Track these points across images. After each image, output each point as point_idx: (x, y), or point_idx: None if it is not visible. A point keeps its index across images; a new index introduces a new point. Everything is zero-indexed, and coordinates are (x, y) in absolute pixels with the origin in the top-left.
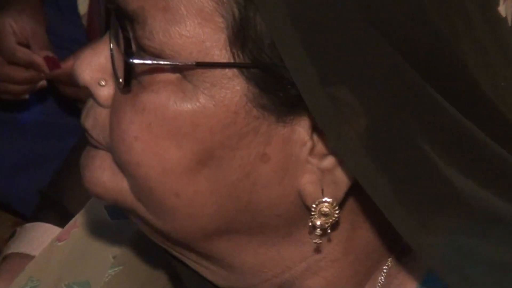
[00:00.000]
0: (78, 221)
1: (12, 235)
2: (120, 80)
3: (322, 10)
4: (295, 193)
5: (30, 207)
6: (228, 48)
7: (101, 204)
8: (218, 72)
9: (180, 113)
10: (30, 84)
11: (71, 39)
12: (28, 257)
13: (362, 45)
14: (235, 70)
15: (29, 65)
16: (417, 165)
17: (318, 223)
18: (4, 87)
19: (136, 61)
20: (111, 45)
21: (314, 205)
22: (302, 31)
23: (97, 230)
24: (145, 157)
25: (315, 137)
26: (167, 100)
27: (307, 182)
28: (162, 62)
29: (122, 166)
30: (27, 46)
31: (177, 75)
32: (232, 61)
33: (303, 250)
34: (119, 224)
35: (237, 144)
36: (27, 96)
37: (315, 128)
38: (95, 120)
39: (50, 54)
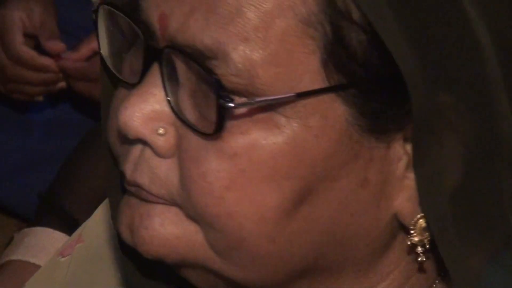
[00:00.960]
0: (83, 234)
1: (10, 241)
2: (191, 125)
3: (432, 21)
4: (389, 216)
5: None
6: (321, 70)
7: (109, 215)
8: (313, 99)
9: (278, 151)
10: (46, 86)
11: (80, 25)
12: (28, 264)
13: (476, 53)
14: (332, 94)
15: (36, 68)
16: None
17: (417, 239)
18: (16, 87)
19: (232, 104)
20: (165, 87)
21: (412, 222)
22: (414, 39)
23: (105, 245)
24: (239, 207)
25: (408, 149)
26: (262, 140)
27: (404, 200)
28: (260, 99)
29: (203, 219)
30: (36, 36)
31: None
32: (328, 84)
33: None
34: None
35: (338, 174)
36: (41, 98)
37: (406, 139)
38: (153, 174)
39: (60, 48)
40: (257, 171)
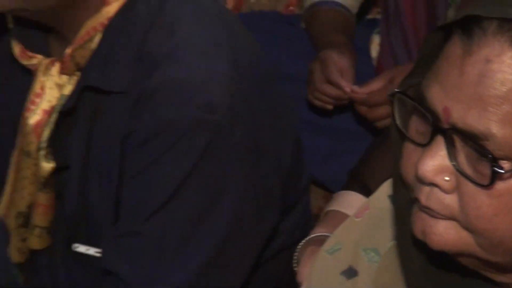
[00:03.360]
0: (369, 204)
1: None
2: (470, 179)
3: None
4: None
5: (338, 186)
6: None
7: (386, 194)
8: None
9: None
10: (336, 100)
11: (362, 73)
12: (341, 214)
13: None
14: None
15: (338, 86)
16: None
17: None
18: (318, 96)
19: (502, 171)
20: (449, 152)
21: None
22: None
23: (382, 213)
24: (501, 225)
25: None
26: None
27: None
28: None
29: (476, 232)
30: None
31: None
32: None
33: None
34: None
35: None
36: (331, 107)
37: None
38: (440, 203)
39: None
40: None
